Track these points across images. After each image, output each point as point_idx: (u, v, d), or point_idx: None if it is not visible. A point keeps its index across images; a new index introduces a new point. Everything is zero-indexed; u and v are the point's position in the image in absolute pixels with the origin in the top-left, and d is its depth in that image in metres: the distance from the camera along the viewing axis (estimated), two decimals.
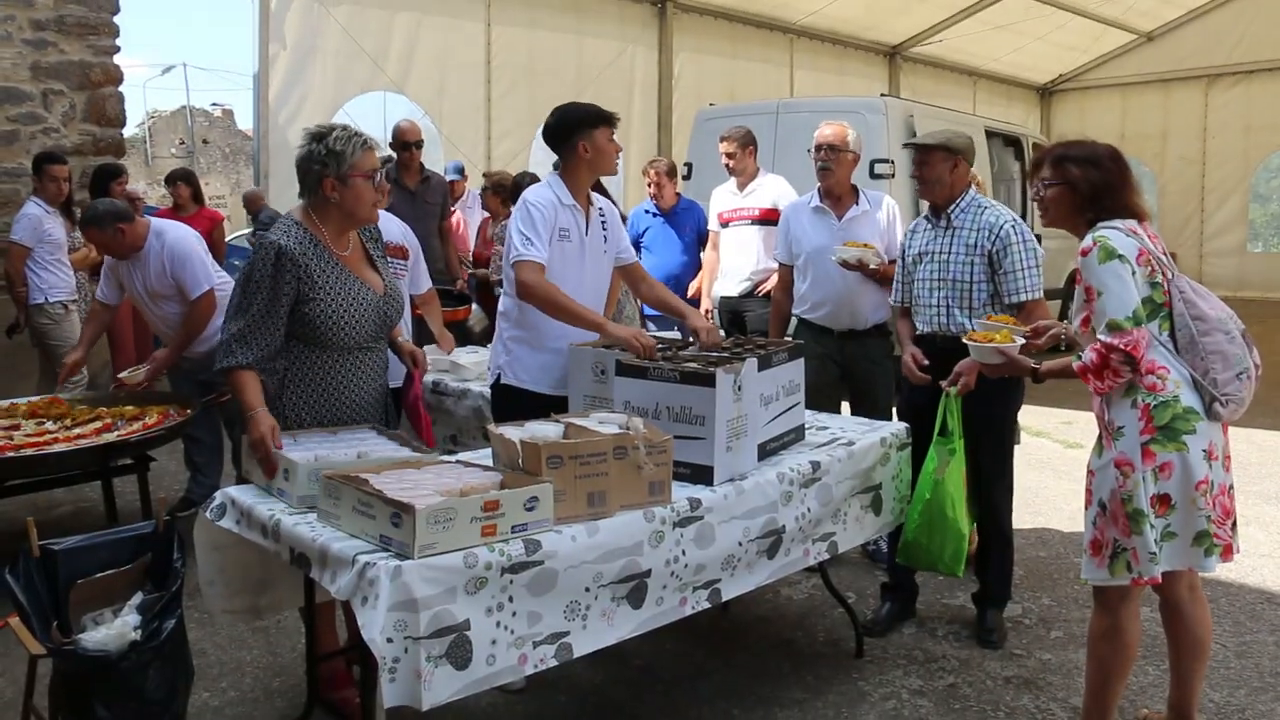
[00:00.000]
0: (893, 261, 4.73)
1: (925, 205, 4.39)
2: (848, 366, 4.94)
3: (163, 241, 5.24)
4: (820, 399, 4.71)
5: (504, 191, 8.01)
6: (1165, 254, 3.21)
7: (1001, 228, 4.14)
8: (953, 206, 4.23)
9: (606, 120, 3.95)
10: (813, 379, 4.83)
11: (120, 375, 5.56)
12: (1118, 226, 3.14)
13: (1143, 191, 3.34)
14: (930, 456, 3.93)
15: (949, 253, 4.20)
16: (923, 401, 4.16)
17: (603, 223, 4.08)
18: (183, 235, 5.35)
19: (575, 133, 3.92)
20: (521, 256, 3.79)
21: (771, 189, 6.35)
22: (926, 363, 4.15)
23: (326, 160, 3.33)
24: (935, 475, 3.88)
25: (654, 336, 3.97)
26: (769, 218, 6.31)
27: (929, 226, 4.31)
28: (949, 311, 4.19)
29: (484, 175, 8.93)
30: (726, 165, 6.45)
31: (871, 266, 4.68)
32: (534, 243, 3.80)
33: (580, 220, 3.97)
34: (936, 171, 4.21)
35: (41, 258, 6.82)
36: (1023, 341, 3.55)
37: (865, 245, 4.71)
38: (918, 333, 4.31)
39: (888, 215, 4.96)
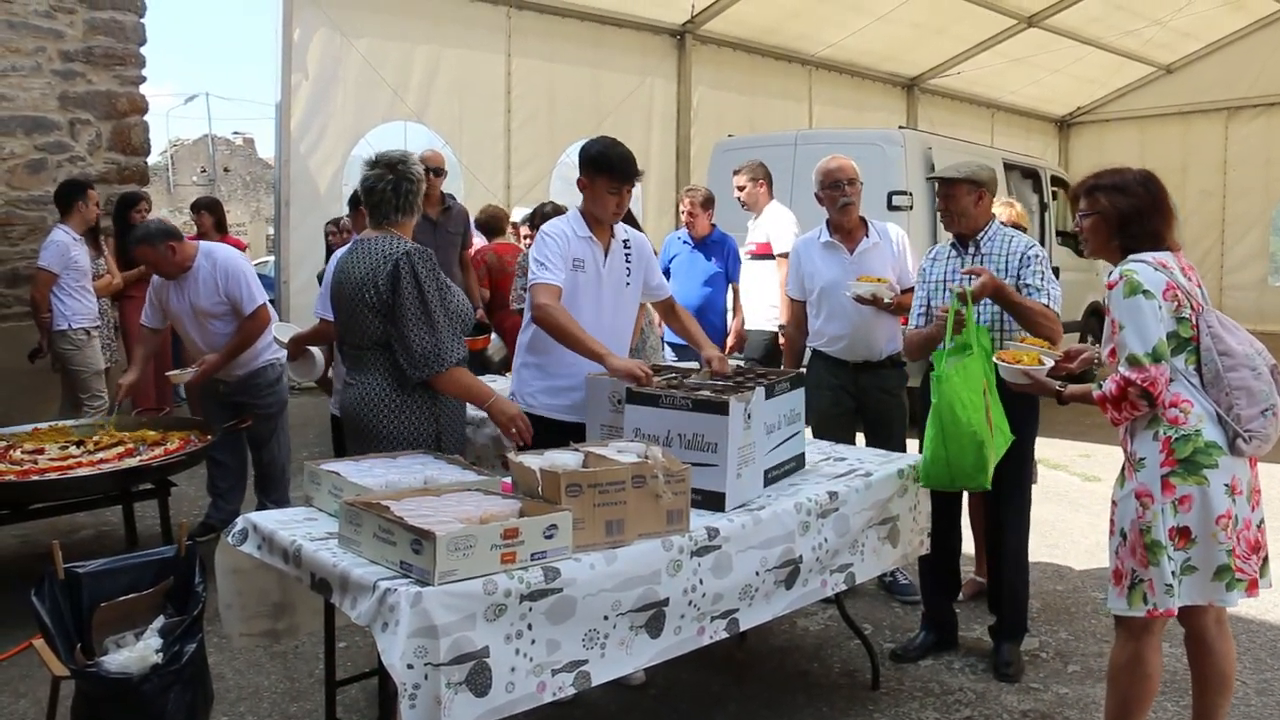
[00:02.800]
0: (906, 292, 4.75)
1: (944, 235, 4.40)
2: (862, 398, 4.94)
3: (213, 261, 5.40)
4: (835, 430, 4.71)
5: (491, 227, 8.09)
6: (1200, 286, 3.22)
7: (1028, 249, 4.20)
8: (981, 235, 4.26)
9: (609, 172, 3.94)
10: (828, 411, 4.86)
11: (169, 373, 5.75)
12: (1147, 260, 3.14)
13: (1177, 217, 3.32)
14: (938, 357, 3.92)
15: None
16: None
17: (626, 255, 4.11)
18: (233, 254, 5.55)
19: (582, 168, 4.00)
20: (535, 280, 3.89)
21: (765, 225, 6.56)
22: None
23: (421, 180, 3.84)
24: (939, 373, 3.83)
25: (670, 366, 3.99)
26: (763, 253, 6.48)
27: (955, 254, 4.32)
28: None
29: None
30: (738, 198, 6.67)
31: (886, 300, 4.69)
32: (548, 267, 3.87)
33: (597, 252, 4.01)
34: (962, 204, 4.24)
35: (67, 284, 6.90)
36: (1051, 364, 3.56)
37: (879, 280, 4.73)
38: None
39: (898, 246, 4.98)
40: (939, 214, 4.42)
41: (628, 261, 4.12)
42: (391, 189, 3.74)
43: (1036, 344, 3.76)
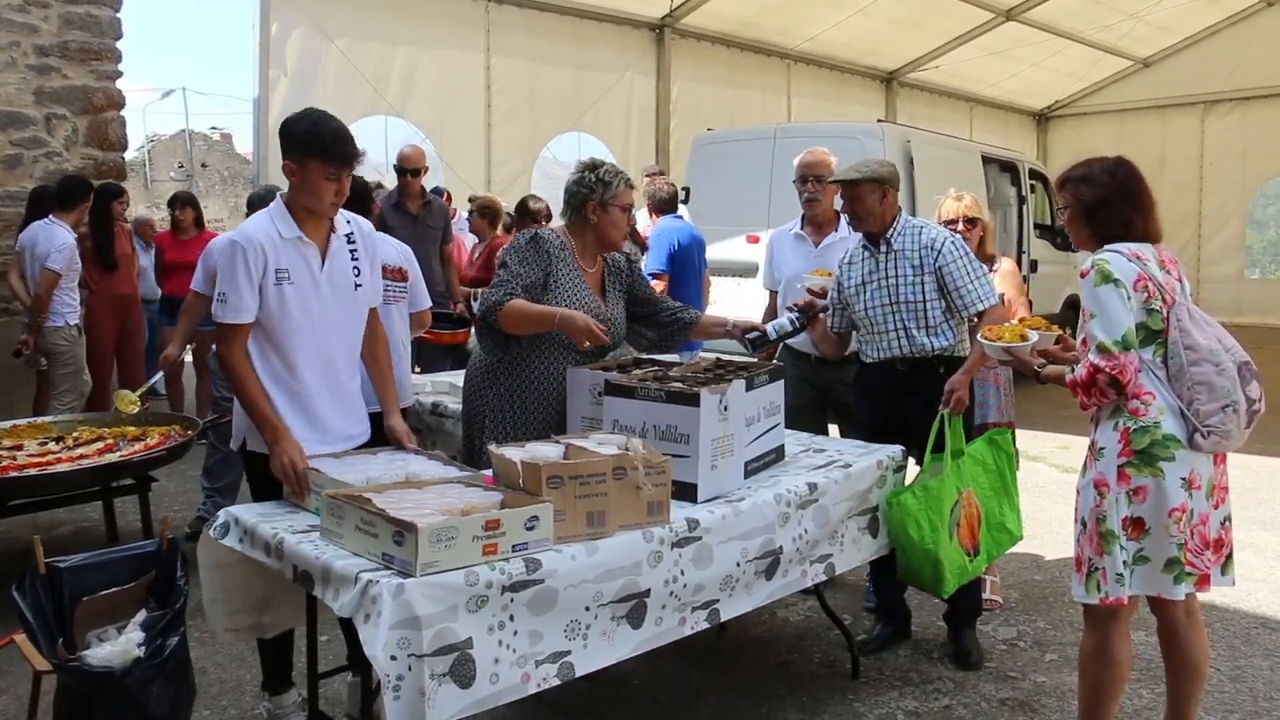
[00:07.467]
0: None
1: (858, 236, 4.40)
2: (827, 392, 4.97)
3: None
4: (802, 422, 4.74)
5: (489, 215, 8.04)
6: (1181, 280, 3.24)
7: (942, 244, 4.18)
8: (890, 231, 4.25)
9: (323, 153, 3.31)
10: (792, 403, 4.88)
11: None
12: (1121, 251, 3.17)
13: (1149, 205, 3.31)
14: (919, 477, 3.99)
15: (896, 276, 4.21)
16: (880, 422, 4.28)
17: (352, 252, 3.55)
18: (215, 244, 5.31)
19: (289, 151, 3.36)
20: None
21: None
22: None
23: (594, 187, 3.86)
24: (888, 497, 3.93)
25: (653, 359, 4.01)
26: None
27: (867, 255, 4.31)
28: (908, 334, 4.21)
29: (469, 199, 8.91)
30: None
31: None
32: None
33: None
34: (867, 204, 4.21)
35: (64, 283, 6.84)
36: (1036, 339, 3.53)
37: (830, 274, 4.76)
38: (872, 360, 4.33)
39: None
40: (845, 215, 4.38)
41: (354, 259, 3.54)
42: (572, 185, 3.93)
43: (1034, 323, 3.75)
